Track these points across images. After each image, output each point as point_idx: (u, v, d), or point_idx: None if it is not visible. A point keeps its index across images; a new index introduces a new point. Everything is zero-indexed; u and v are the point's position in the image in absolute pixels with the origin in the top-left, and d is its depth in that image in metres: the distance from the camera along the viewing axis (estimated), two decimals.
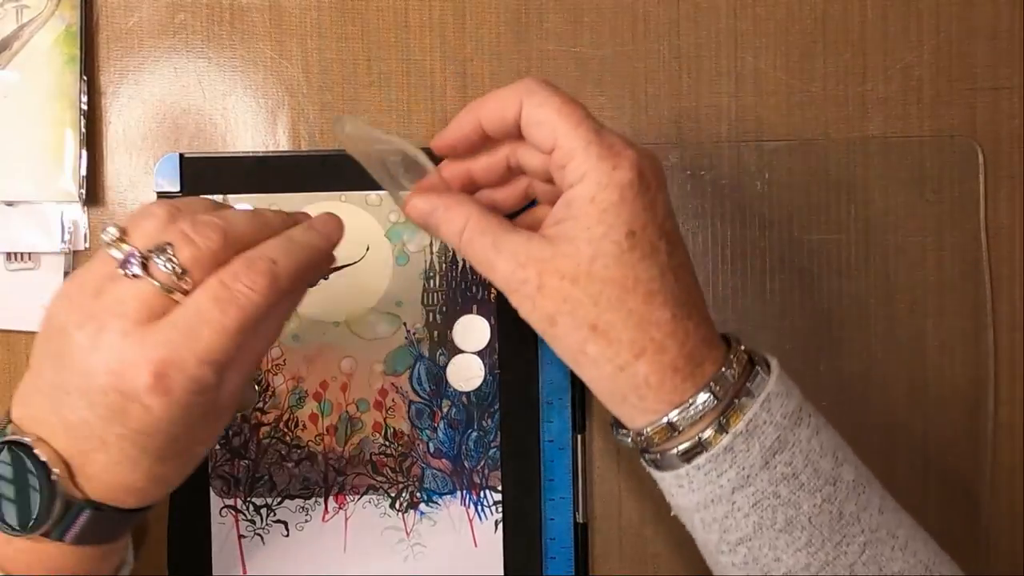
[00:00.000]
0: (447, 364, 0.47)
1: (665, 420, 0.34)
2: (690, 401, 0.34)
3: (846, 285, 0.48)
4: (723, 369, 0.34)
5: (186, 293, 0.32)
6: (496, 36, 0.48)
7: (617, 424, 0.37)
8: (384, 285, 0.47)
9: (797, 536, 0.34)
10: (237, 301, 0.32)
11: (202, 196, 0.40)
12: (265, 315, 0.33)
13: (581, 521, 0.48)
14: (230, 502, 0.47)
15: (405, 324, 0.47)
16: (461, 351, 0.47)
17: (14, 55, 0.46)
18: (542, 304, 0.34)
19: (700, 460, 0.34)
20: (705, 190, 0.48)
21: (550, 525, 0.48)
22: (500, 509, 0.47)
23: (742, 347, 0.36)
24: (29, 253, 0.47)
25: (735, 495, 0.34)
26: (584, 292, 0.33)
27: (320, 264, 0.36)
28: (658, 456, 0.35)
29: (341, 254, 0.47)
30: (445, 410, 0.47)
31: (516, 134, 0.36)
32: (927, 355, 0.48)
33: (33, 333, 0.47)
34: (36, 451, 0.33)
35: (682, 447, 0.34)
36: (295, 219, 0.37)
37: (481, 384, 0.47)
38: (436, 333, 0.47)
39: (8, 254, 0.47)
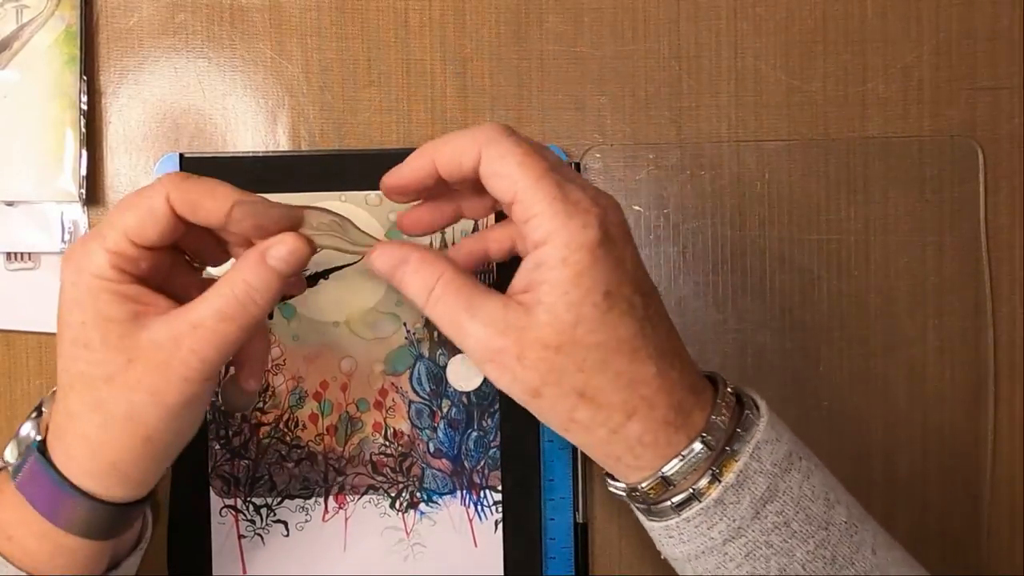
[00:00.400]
0: (447, 364, 0.47)
1: (660, 475, 0.34)
2: (684, 454, 0.33)
3: (846, 285, 0.48)
4: (713, 416, 0.34)
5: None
6: (496, 36, 0.48)
7: (610, 475, 0.36)
8: (384, 285, 0.47)
9: None
10: (140, 190, 0.35)
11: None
12: (157, 205, 0.34)
13: (581, 521, 0.48)
14: (230, 502, 0.47)
15: (405, 324, 0.47)
16: (461, 351, 0.47)
17: (14, 55, 0.46)
18: (523, 375, 0.33)
19: (690, 513, 0.33)
20: (705, 190, 0.48)
21: (550, 525, 0.48)
22: (500, 509, 0.47)
23: (729, 388, 0.35)
24: (29, 253, 0.47)
25: (727, 546, 0.33)
26: (569, 359, 0.32)
27: (210, 194, 0.35)
28: (649, 506, 0.35)
29: (341, 254, 0.47)
30: (445, 410, 0.47)
31: (471, 180, 0.35)
32: (927, 355, 0.48)
33: (33, 333, 0.47)
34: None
35: (677, 499, 0.34)
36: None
37: (481, 384, 0.47)
38: (436, 333, 0.47)
39: (8, 254, 0.47)
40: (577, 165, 0.48)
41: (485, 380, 0.47)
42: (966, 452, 0.48)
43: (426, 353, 0.47)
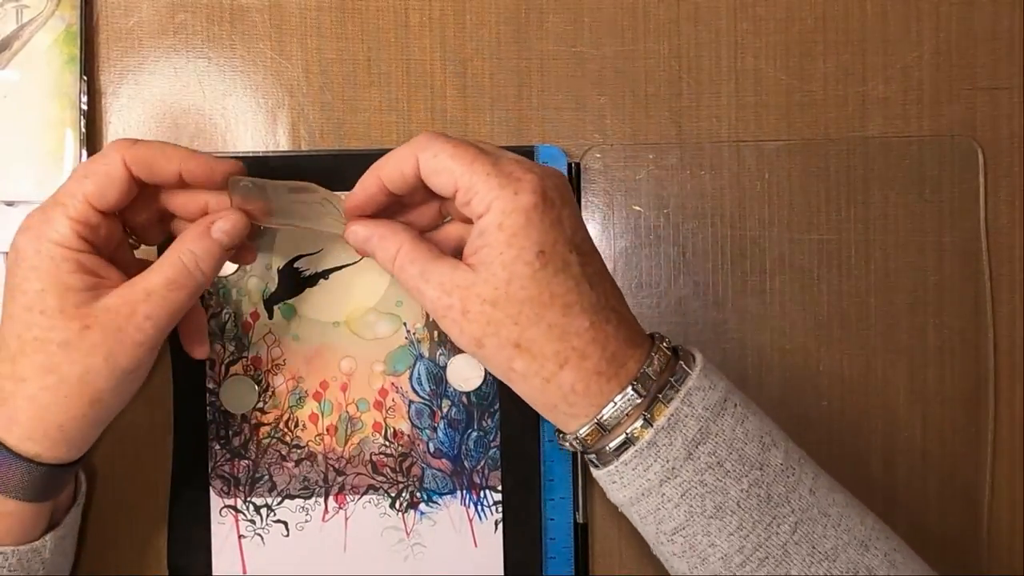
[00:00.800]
0: (447, 364, 0.47)
1: (595, 421, 0.36)
2: (616, 400, 0.36)
3: (846, 285, 0.48)
4: (645, 367, 0.36)
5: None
6: (496, 36, 0.48)
7: (558, 430, 0.38)
8: (384, 285, 0.47)
9: (728, 521, 0.35)
10: (94, 158, 0.37)
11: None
12: (116, 175, 0.37)
13: (581, 521, 0.48)
14: (230, 502, 0.47)
15: (405, 324, 0.47)
16: (461, 351, 0.47)
17: (14, 55, 0.46)
18: (468, 328, 0.36)
19: (626, 456, 0.36)
20: (705, 190, 0.48)
21: (550, 525, 0.48)
22: (500, 509, 0.47)
23: (664, 343, 0.37)
24: None
25: (663, 487, 0.36)
26: (504, 313, 0.35)
27: (169, 164, 0.38)
28: (594, 455, 0.37)
29: (341, 254, 0.47)
30: (445, 410, 0.47)
31: (419, 188, 0.38)
32: (927, 355, 0.48)
33: None
34: None
35: (613, 444, 0.36)
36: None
37: (481, 384, 0.47)
38: (436, 333, 0.47)
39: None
40: (577, 165, 0.48)
41: (485, 380, 0.47)
42: (966, 452, 0.48)
43: (426, 353, 0.47)
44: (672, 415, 0.35)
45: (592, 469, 0.38)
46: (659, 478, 0.36)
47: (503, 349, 0.36)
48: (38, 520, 0.39)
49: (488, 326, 0.35)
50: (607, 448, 0.36)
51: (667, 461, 0.35)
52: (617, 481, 0.37)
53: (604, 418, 0.36)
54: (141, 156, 0.37)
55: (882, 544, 0.37)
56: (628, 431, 0.36)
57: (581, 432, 0.36)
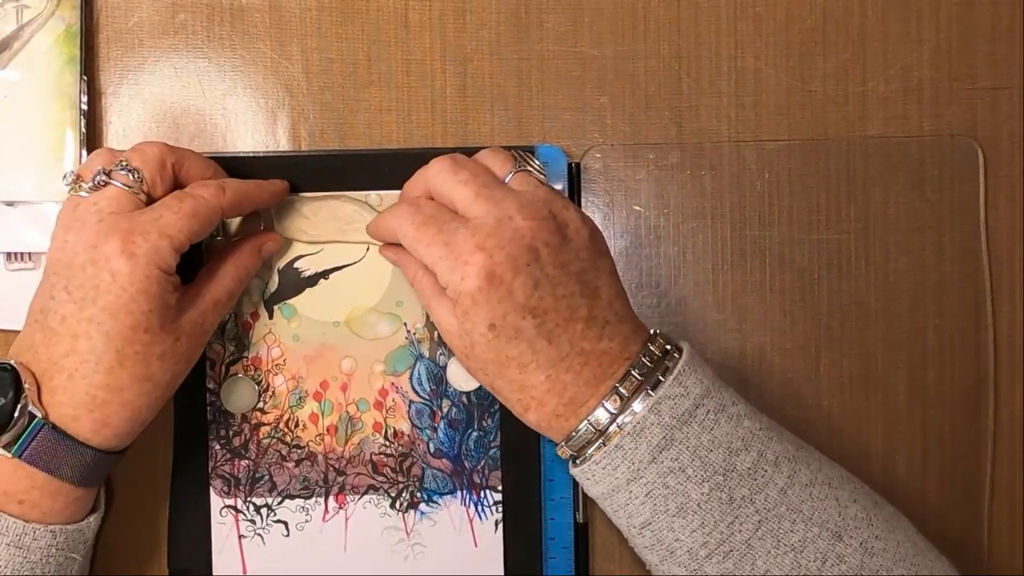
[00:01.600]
0: (447, 364, 0.47)
1: (565, 446, 0.40)
2: (576, 431, 0.39)
3: (846, 285, 0.48)
4: (605, 401, 0.39)
5: (145, 195, 0.40)
6: (496, 36, 0.48)
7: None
8: (384, 285, 0.47)
9: (691, 519, 0.38)
10: (191, 195, 0.41)
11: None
12: (214, 216, 0.41)
13: (581, 521, 0.48)
14: (230, 502, 0.47)
15: (405, 324, 0.47)
16: None
17: (14, 55, 0.46)
18: (464, 364, 0.42)
19: (597, 456, 0.39)
20: (705, 190, 0.48)
21: (550, 525, 0.48)
22: (500, 509, 0.47)
23: (652, 347, 0.40)
24: (29, 253, 0.47)
25: (630, 486, 0.39)
26: (476, 365, 0.40)
27: (257, 201, 0.44)
28: (575, 454, 0.41)
29: (341, 254, 0.47)
30: (445, 410, 0.47)
31: None
32: (927, 355, 0.48)
33: None
34: (12, 364, 0.38)
35: (590, 448, 0.40)
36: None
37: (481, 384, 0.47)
38: (436, 333, 0.47)
39: (8, 254, 0.47)
40: (577, 165, 0.48)
41: None
42: (966, 452, 0.48)
43: (426, 353, 0.47)
44: (639, 423, 0.38)
45: (570, 466, 0.41)
46: (626, 478, 0.39)
47: (487, 387, 0.41)
48: (88, 502, 0.42)
49: (470, 371, 0.42)
50: (584, 451, 0.40)
51: (632, 463, 0.39)
52: (590, 478, 0.40)
53: (570, 442, 0.40)
54: (234, 201, 0.42)
55: (861, 533, 0.39)
56: (604, 435, 0.39)
57: (559, 451, 0.41)
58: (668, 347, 0.40)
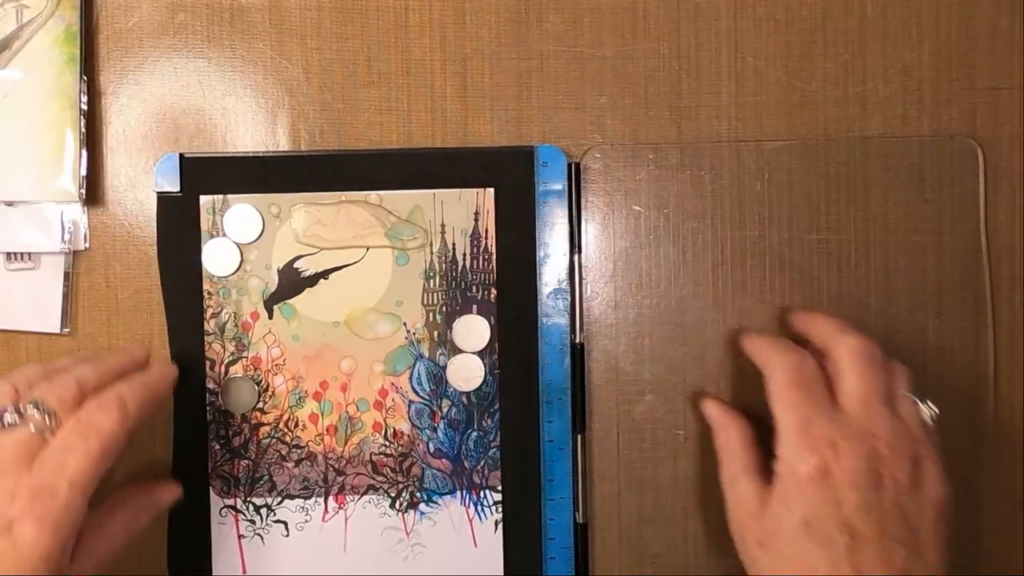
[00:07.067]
0: (447, 364, 0.47)
1: None
2: None
3: (846, 285, 0.48)
4: None
5: (54, 434, 0.37)
6: (496, 36, 0.48)
7: None
8: (384, 285, 0.47)
9: None
10: (95, 427, 0.37)
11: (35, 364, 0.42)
12: (119, 442, 0.38)
13: (581, 521, 0.48)
14: (230, 502, 0.47)
15: (405, 324, 0.47)
16: (461, 351, 0.47)
17: (14, 55, 0.46)
18: (742, 549, 0.41)
19: None
20: (705, 190, 0.48)
21: (550, 525, 0.48)
22: (500, 509, 0.47)
23: None
24: (29, 253, 0.47)
25: None
26: (767, 555, 0.39)
27: (159, 398, 0.42)
28: None
29: (341, 254, 0.47)
30: (445, 410, 0.47)
31: None
32: (927, 355, 0.48)
33: (33, 333, 0.47)
34: None
35: None
36: (134, 360, 0.43)
37: (481, 384, 0.47)
38: (436, 333, 0.47)
39: (8, 254, 0.47)
40: (577, 165, 0.48)
41: (485, 380, 0.47)
42: (966, 451, 0.48)
43: (426, 353, 0.47)
44: None
45: None
46: None
47: (748, 562, 0.40)
48: None
49: (758, 554, 0.39)
50: None
51: None
52: None
53: None
54: (138, 417, 0.39)
55: None
56: None
57: None
58: None
